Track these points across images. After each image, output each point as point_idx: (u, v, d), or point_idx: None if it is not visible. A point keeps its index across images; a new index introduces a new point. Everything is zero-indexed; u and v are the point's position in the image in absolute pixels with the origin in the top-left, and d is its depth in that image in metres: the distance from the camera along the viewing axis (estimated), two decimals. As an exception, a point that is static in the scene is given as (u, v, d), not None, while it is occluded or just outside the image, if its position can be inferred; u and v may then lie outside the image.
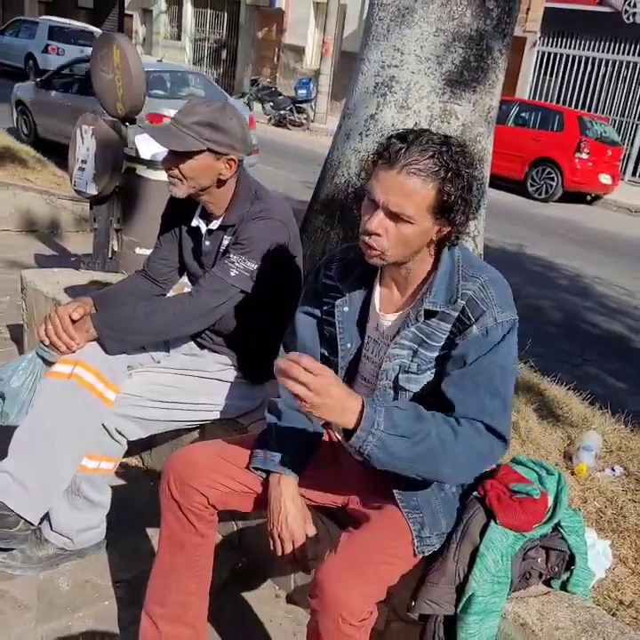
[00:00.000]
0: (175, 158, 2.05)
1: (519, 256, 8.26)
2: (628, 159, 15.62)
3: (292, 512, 1.68)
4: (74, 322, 2.07)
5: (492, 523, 1.62)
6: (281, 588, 2.26)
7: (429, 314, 1.57)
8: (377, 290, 1.70)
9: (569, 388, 3.54)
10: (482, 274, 1.56)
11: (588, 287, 7.48)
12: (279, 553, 1.70)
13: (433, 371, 1.60)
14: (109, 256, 4.18)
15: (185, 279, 2.44)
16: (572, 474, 2.54)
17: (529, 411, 2.96)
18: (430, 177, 1.46)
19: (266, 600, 2.22)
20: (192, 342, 2.35)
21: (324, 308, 1.77)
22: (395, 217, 1.49)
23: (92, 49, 4.04)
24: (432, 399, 1.61)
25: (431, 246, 1.59)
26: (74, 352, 2.06)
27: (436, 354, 1.59)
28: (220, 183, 2.11)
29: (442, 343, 1.58)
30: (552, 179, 12.58)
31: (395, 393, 1.65)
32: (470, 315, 1.53)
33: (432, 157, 1.46)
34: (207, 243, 2.22)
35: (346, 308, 1.71)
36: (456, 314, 1.55)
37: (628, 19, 15.34)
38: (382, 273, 1.69)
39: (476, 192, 2.94)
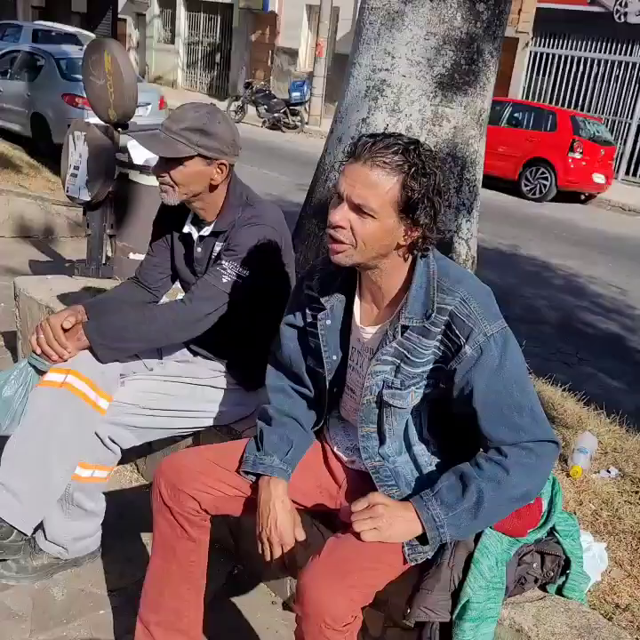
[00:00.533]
0: (166, 165, 2.04)
1: (514, 256, 8.27)
2: (621, 158, 15.64)
3: (281, 515, 1.67)
4: (65, 330, 2.06)
5: (487, 528, 1.62)
6: (277, 595, 2.25)
7: (406, 329, 1.55)
8: (356, 302, 1.68)
9: (564, 389, 3.55)
10: (460, 287, 1.53)
11: (583, 286, 7.49)
12: (268, 557, 1.69)
13: (419, 386, 1.59)
14: (103, 262, 4.18)
15: (178, 285, 2.43)
16: (568, 476, 2.54)
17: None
18: (395, 171, 1.46)
19: (262, 607, 2.21)
20: (185, 349, 2.34)
21: (308, 319, 1.76)
22: (358, 210, 1.48)
23: (83, 54, 4.03)
24: (421, 412, 1.63)
25: (402, 252, 1.56)
26: (66, 361, 2.06)
27: (420, 369, 1.58)
28: (212, 188, 2.11)
29: (426, 359, 1.56)
30: (546, 178, 12.61)
31: (379, 408, 1.64)
32: (458, 332, 1.51)
33: (397, 153, 1.46)
34: (199, 249, 2.22)
35: (328, 322, 1.70)
36: (438, 329, 1.53)
37: (619, 18, 15.37)
38: (360, 285, 1.67)
39: (468, 194, 2.98)
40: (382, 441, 1.68)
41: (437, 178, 1.50)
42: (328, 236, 1.53)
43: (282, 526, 1.66)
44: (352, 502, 1.63)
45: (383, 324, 1.62)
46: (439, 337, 1.54)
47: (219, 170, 2.08)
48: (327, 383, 1.75)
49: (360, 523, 1.51)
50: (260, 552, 1.70)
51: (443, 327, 1.52)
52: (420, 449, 1.68)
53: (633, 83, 15.67)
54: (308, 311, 1.75)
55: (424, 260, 1.57)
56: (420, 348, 1.55)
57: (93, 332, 2.06)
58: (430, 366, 1.57)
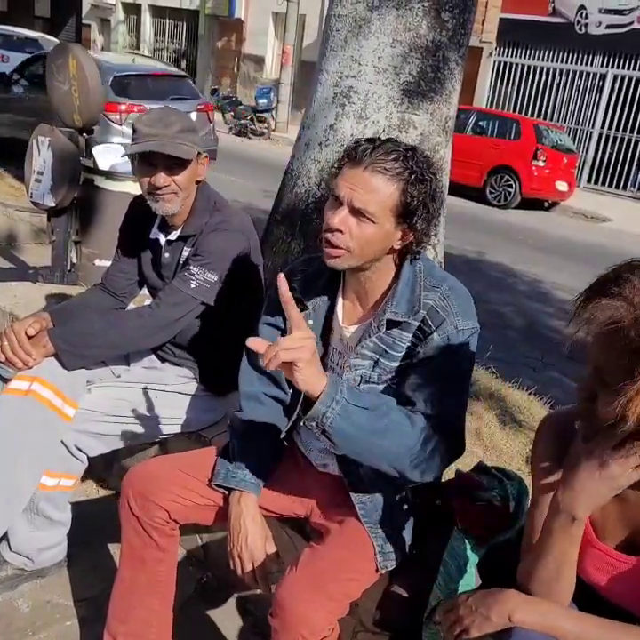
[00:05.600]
0: (169, 172, 2.02)
1: (480, 262, 8.36)
2: (583, 166, 15.94)
3: (252, 532, 1.66)
4: (30, 337, 2.03)
5: (455, 531, 1.63)
6: (247, 603, 2.23)
7: (391, 324, 1.57)
8: (340, 302, 1.69)
9: (530, 393, 3.60)
10: (443, 284, 1.57)
11: (548, 292, 7.59)
12: (239, 573, 1.68)
13: (394, 380, 1.60)
14: (68, 268, 4.13)
15: (145, 291, 2.41)
16: (534, 478, 2.56)
17: (491, 417, 2.99)
18: (395, 177, 1.49)
19: (231, 615, 2.19)
20: (153, 355, 2.32)
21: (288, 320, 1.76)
22: (357, 214, 1.50)
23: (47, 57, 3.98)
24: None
25: (393, 256, 1.60)
26: (31, 368, 2.02)
27: (397, 363, 1.59)
28: (197, 183, 2.14)
29: (403, 353, 1.58)
30: (510, 186, 12.78)
31: None
32: (431, 323, 1.54)
33: (397, 160, 1.50)
34: (166, 255, 2.20)
35: (311, 322, 1.70)
36: (417, 323, 1.55)
37: (579, 29, 15.70)
38: (344, 285, 1.69)
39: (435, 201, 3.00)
40: None
41: (433, 183, 1.54)
42: (324, 239, 1.54)
43: (253, 543, 1.65)
44: (325, 511, 1.63)
45: (367, 321, 1.63)
46: (414, 330, 1.56)
47: (201, 164, 2.12)
48: None
49: (285, 342, 1.34)
50: (232, 568, 1.69)
51: (419, 321, 1.55)
52: None
53: (594, 92, 16.00)
54: None
55: (412, 262, 1.60)
56: (400, 341, 1.57)
57: (59, 339, 2.03)
58: (407, 360, 1.58)
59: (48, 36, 17.93)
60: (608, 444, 1.14)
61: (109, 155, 3.97)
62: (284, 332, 1.78)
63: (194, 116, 8.56)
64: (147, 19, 25.01)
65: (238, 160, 13.07)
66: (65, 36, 23.09)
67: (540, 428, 1.41)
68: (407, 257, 1.59)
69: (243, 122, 17.40)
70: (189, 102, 9.02)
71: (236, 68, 22.29)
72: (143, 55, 14.77)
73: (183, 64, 24.06)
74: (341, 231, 1.51)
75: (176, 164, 2.02)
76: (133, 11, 25.36)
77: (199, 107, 9.26)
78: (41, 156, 3.87)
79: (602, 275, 1.20)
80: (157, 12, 24.67)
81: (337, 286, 1.70)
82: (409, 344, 1.57)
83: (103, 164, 3.96)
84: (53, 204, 3.87)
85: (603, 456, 1.14)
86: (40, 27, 23.03)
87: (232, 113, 17.54)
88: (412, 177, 1.50)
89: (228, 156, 12.78)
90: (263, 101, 17.63)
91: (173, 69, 10.37)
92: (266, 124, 17.52)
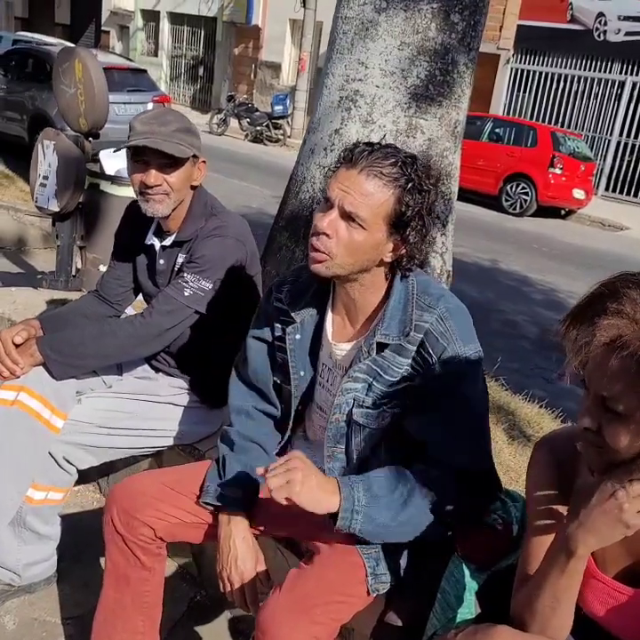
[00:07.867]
0: (162, 171, 1.96)
1: (494, 271, 8.26)
2: (600, 174, 15.76)
3: (242, 553, 1.58)
4: (18, 346, 1.96)
5: (454, 556, 1.54)
6: (240, 623, 2.15)
7: (382, 346, 1.49)
8: (329, 316, 1.61)
9: (541, 406, 3.50)
10: (439, 304, 1.47)
11: (563, 302, 7.47)
12: (229, 596, 1.61)
13: (390, 405, 1.52)
14: (73, 274, 4.09)
15: (142, 298, 2.35)
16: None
17: (499, 431, 2.90)
18: (391, 183, 1.41)
19: (224, 636, 2.11)
20: (146, 365, 2.26)
21: (276, 333, 1.68)
22: (348, 218, 1.42)
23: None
24: (390, 433, 1.55)
25: (384, 269, 1.51)
26: (18, 377, 1.95)
27: (393, 389, 1.50)
28: (192, 189, 2.08)
29: (399, 378, 1.49)
30: (526, 193, 12.67)
31: (348, 428, 1.57)
32: (431, 351, 1.45)
33: (395, 165, 1.41)
34: (161, 261, 2.14)
35: (298, 336, 1.62)
36: (413, 348, 1.46)
37: (598, 36, 15.56)
38: (334, 298, 1.61)
39: (443, 208, 2.92)
40: (348, 462, 1.61)
41: (431, 196, 1.45)
42: (310, 243, 1.46)
43: (243, 565, 1.58)
44: (316, 530, 1.56)
45: (358, 341, 1.55)
46: (413, 354, 1.47)
47: (199, 169, 2.06)
48: (293, 400, 1.67)
49: (273, 478, 1.35)
50: (222, 590, 1.62)
51: (417, 345, 1.46)
52: None
53: (612, 100, 15.83)
54: (276, 324, 1.68)
55: (403, 278, 1.52)
56: (394, 365, 1.49)
57: (47, 347, 1.96)
58: (403, 385, 1.50)
59: (68, 43, 18.07)
60: (622, 480, 1.05)
61: (115, 159, 3.92)
62: (269, 345, 1.71)
63: (150, 106, 9.67)
64: (165, 26, 25.10)
65: (253, 166, 13.08)
66: (84, 43, 23.32)
67: (535, 452, 1.32)
68: (398, 272, 1.50)
69: (259, 128, 17.42)
70: (146, 94, 10.21)
71: (252, 75, 22.31)
72: (115, 53, 17.42)
73: (201, 71, 24.13)
74: (328, 235, 1.43)
75: (169, 164, 1.95)
76: (152, 18, 25.47)
77: (155, 98, 10.27)
78: (46, 160, 3.84)
79: (593, 291, 1.08)
80: (176, 19, 24.75)
81: (326, 299, 1.61)
82: (407, 368, 1.49)
83: (109, 169, 3.92)
84: (58, 209, 3.84)
85: (617, 495, 1.04)
86: (60, 33, 23.27)
87: (248, 119, 17.57)
88: (410, 185, 1.41)
89: (243, 162, 12.81)
90: (279, 108, 17.63)
91: (133, 64, 11.83)
92: (282, 131, 17.53)
